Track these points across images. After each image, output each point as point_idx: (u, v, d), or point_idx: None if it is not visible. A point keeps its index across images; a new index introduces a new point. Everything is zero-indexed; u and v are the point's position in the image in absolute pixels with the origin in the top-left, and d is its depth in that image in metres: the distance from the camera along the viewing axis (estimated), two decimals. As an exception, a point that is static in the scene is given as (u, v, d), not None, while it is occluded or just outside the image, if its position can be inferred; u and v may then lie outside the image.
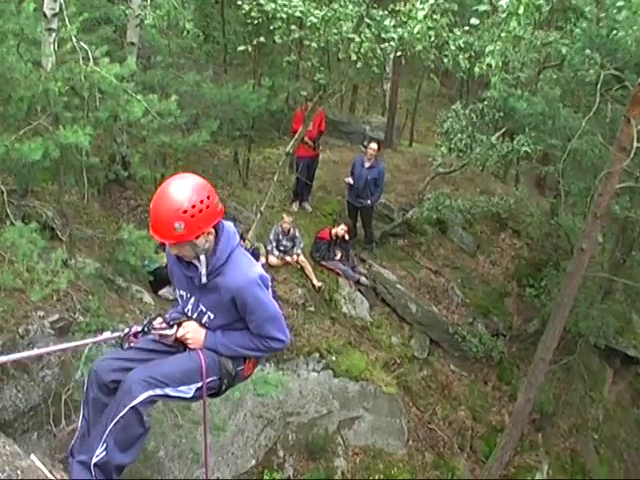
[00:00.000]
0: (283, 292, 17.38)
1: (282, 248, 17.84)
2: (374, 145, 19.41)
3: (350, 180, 19.30)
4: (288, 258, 17.88)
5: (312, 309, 17.89)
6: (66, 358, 11.12)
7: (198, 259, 4.94)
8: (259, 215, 15.07)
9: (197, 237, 4.81)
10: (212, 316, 5.12)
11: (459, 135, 18.60)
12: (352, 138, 25.62)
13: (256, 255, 16.42)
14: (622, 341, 22.05)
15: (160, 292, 14.87)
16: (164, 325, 5.14)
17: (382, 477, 17.75)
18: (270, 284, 5.23)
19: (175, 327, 5.14)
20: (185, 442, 12.51)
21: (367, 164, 19.15)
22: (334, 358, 17.60)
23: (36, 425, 10.95)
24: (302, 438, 17.05)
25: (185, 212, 4.67)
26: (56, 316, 11.25)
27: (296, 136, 15.40)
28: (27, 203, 12.55)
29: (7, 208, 11.14)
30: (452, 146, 18.84)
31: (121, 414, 4.83)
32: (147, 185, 16.63)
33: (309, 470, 16.90)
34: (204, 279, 4.96)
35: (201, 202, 4.72)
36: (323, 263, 18.78)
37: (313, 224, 19.86)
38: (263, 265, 16.67)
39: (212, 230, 4.89)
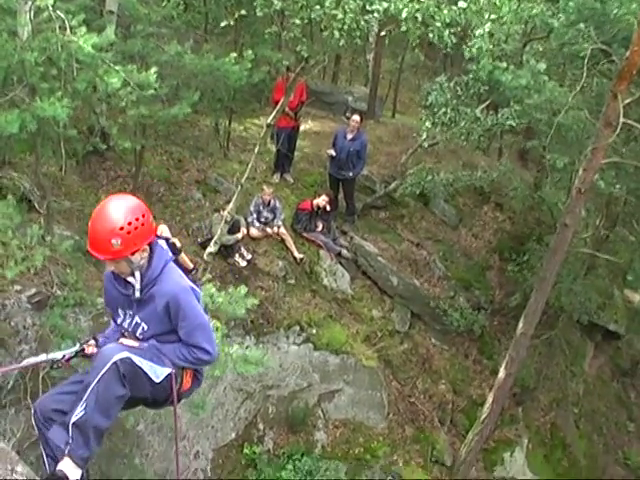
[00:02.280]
0: (264, 264, 17.29)
1: (263, 220, 17.71)
2: (357, 117, 19.24)
3: (332, 152, 19.13)
4: (269, 230, 17.75)
5: (292, 282, 17.78)
6: (44, 333, 10.97)
7: (133, 275, 5.26)
8: (240, 187, 14.87)
9: (133, 253, 5.15)
10: (146, 327, 5.38)
11: (443, 109, 18.44)
12: (334, 109, 25.43)
13: (237, 227, 16.29)
14: (603, 316, 22.07)
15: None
16: (95, 350, 5.43)
17: (362, 450, 17.76)
18: (201, 298, 5.59)
19: None
20: (164, 417, 12.42)
21: (349, 136, 18.99)
22: (314, 331, 17.52)
23: (14, 401, 10.83)
24: (282, 411, 17.03)
25: (122, 229, 5.01)
26: (33, 290, 11.10)
27: (277, 107, 15.17)
28: (4, 175, 12.35)
29: (-17, 180, 10.98)
30: (436, 120, 18.67)
31: (103, 371, 4.95)
32: (127, 156, 16.45)
33: (289, 443, 16.89)
34: (137, 294, 5.28)
35: (136, 220, 5.08)
36: (304, 235, 18.65)
37: (294, 196, 19.73)
38: (244, 237, 16.61)
39: (147, 247, 5.27)
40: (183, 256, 15.13)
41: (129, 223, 5.03)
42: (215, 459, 15.67)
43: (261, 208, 17.64)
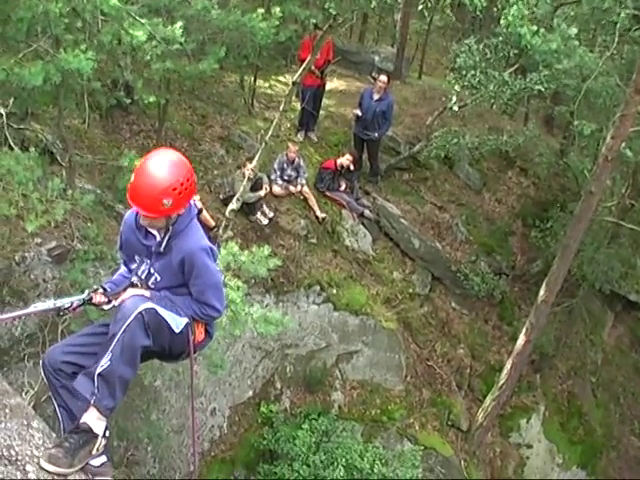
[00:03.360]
0: (286, 223, 17.23)
1: (286, 178, 17.62)
2: (384, 77, 19.06)
3: (358, 112, 18.99)
4: (292, 188, 17.66)
5: (314, 241, 17.71)
6: (63, 286, 10.96)
7: (164, 229, 5.21)
8: (263, 144, 14.75)
9: (175, 213, 5.10)
10: (159, 278, 5.33)
11: (472, 71, 18.21)
12: (360, 68, 25.18)
13: (259, 184, 16.21)
14: (624, 286, 21.92)
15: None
16: (103, 299, 5.28)
17: (379, 412, 17.82)
18: (218, 257, 5.56)
19: (112, 302, 5.28)
20: (182, 374, 12.41)
21: (376, 96, 18.82)
22: (335, 291, 17.48)
23: (32, 354, 10.84)
24: (300, 371, 17.05)
25: (174, 189, 4.93)
26: (53, 243, 11.08)
27: (303, 65, 15.02)
28: (27, 127, 12.27)
29: (6, 131, 10.89)
30: (465, 83, 18.46)
31: (128, 321, 4.93)
32: (150, 111, 16.36)
33: (306, 403, 16.94)
34: (164, 244, 5.23)
35: (187, 180, 5.01)
36: (327, 194, 18.56)
37: (318, 155, 19.62)
38: (266, 195, 16.52)
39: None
40: (205, 214, 15.13)
41: (181, 183, 4.98)
42: (232, 416, 15.73)
43: (285, 166, 17.53)
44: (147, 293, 5.28)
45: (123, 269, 5.67)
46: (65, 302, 5.18)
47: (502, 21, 15.90)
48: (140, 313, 4.98)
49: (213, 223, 15.36)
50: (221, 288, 5.55)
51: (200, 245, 5.27)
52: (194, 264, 5.23)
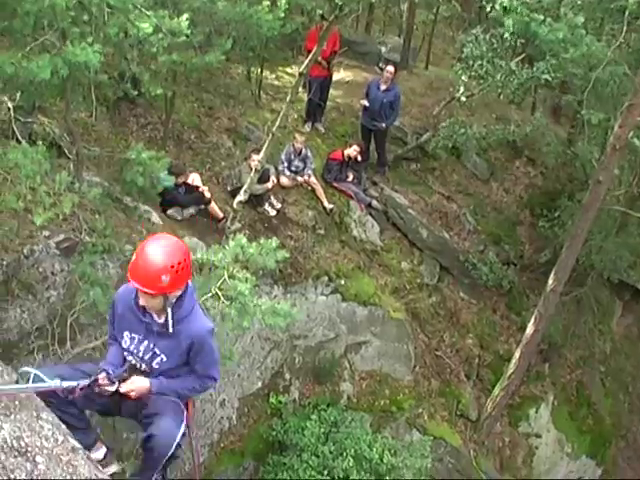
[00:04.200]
0: (293, 214, 17.23)
1: (294, 169, 17.63)
2: (391, 68, 19.06)
3: (365, 102, 19.01)
4: (299, 179, 17.67)
5: (322, 232, 17.72)
6: (72, 279, 10.98)
7: (163, 311, 5.61)
8: (270, 136, 14.75)
9: (172, 292, 5.52)
10: (165, 359, 5.79)
11: (479, 61, 18.18)
12: (367, 59, 25.17)
13: (267, 176, 16.21)
14: (633, 275, 21.93)
15: (168, 212, 14.72)
16: (107, 382, 5.63)
17: (388, 402, 17.84)
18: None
19: (117, 383, 5.68)
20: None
21: (383, 87, 18.82)
22: (343, 282, 17.48)
23: (41, 347, 10.84)
24: (309, 361, 17.07)
25: (172, 267, 5.36)
26: (62, 236, 11.06)
27: (310, 56, 14.97)
28: (34, 120, 12.28)
29: (13, 125, 10.91)
30: (472, 73, 18.43)
31: (165, 459, 5.70)
32: (157, 103, 16.36)
33: (315, 394, 16.96)
34: (171, 329, 5.64)
35: (184, 260, 5.45)
36: (335, 185, 18.58)
37: (325, 145, 19.63)
38: (274, 186, 16.53)
39: (183, 287, 5.63)
40: (213, 205, 15.14)
41: (179, 263, 5.39)
42: (241, 408, 15.74)
43: (292, 157, 17.55)
44: (147, 383, 5.75)
45: (112, 349, 6.05)
46: (72, 384, 5.41)
47: (497, 6, 15.79)
48: (178, 443, 5.61)
49: (221, 215, 15.38)
50: (219, 361, 6.15)
51: (208, 328, 5.80)
52: (203, 346, 5.74)
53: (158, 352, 5.76)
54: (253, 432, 15.78)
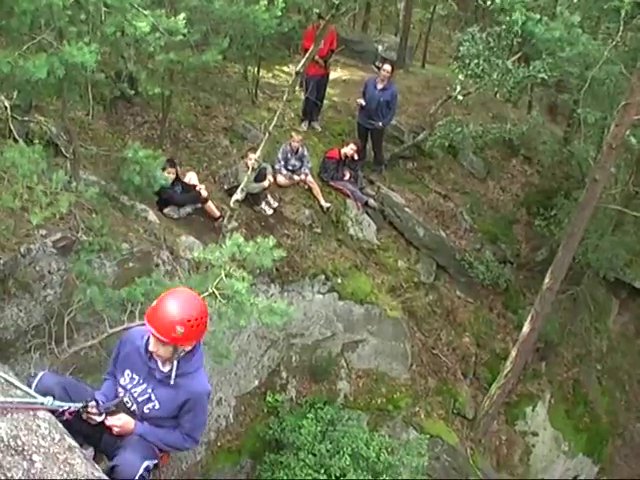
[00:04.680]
0: (290, 213, 17.25)
1: (290, 167, 17.64)
2: (388, 66, 19.07)
3: (362, 101, 19.03)
4: (296, 177, 17.67)
5: (319, 230, 17.73)
6: (69, 277, 10.99)
7: (170, 360, 5.71)
8: (267, 135, 14.75)
9: (183, 345, 5.61)
10: (157, 406, 5.87)
11: (475, 60, 18.18)
12: (364, 57, 25.19)
13: (263, 175, 16.22)
14: (629, 273, 22.00)
15: (165, 210, 14.73)
16: (95, 410, 5.67)
17: (384, 401, 17.85)
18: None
19: (104, 415, 5.74)
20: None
21: (380, 86, 18.83)
22: (340, 280, 17.49)
23: (38, 345, 10.84)
24: (305, 360, 17.07)
25: (189, 321, 5.47)
26: (58, 235, 11.06)
27: (307, 54, 14.95)
28: (31, 119, 12.28)
29: (10, 124, 10.90)
30: (469, 72, 18.43)
31: None
32: (154, 102, 16.36)
33: (312, 392, 16.97)
34: (173, 380, 5.74)
35: (201, 318, 5.57)
36: (331, 183, 18.58)
37: (322, 144, 19.62)
38: (270, 185, 16.54)
39: (194, 344, 5.72)
40: (210, 204, 15.14)
41: (195, 318, 5.50)
42: (237, 406, 15.75)
43: (289, 155, 17.55)
44: (132, 423, 5.84)
45: (107, 383, 6.14)
46: (64, 405, 5.42)
47: (497, 1, 15.81)
48: (141, 476, 5.55)
49: (218, 213, 15.39)
50: (206, 425, 6.58)
51: (207, 390, 5.93)
52: (196, 406, 5.87)
53: (153, 398, 5.86)
54: (250, 431, 15.79)
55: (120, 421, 5.77)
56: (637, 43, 16.67)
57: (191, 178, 15.43)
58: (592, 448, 21.89)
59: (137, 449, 5.67)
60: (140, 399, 5.87)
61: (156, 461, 5.84)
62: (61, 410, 5.39)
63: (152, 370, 5.80)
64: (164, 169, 14.39)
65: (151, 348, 5.67)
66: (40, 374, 5.65)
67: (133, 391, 5.88)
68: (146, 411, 5.87)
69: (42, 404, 5.17)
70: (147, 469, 5.61)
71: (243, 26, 12.69)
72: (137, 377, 5.88)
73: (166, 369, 5.77)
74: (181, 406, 5.82)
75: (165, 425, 5.92)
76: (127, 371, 5.93)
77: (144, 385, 5.86)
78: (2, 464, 4.15)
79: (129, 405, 5.90)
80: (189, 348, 5.68)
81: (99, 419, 5.69)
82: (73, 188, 10.13)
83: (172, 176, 14.76)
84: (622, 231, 20.69)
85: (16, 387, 5.16)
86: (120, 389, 5.94)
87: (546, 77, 18.21)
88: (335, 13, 14.43)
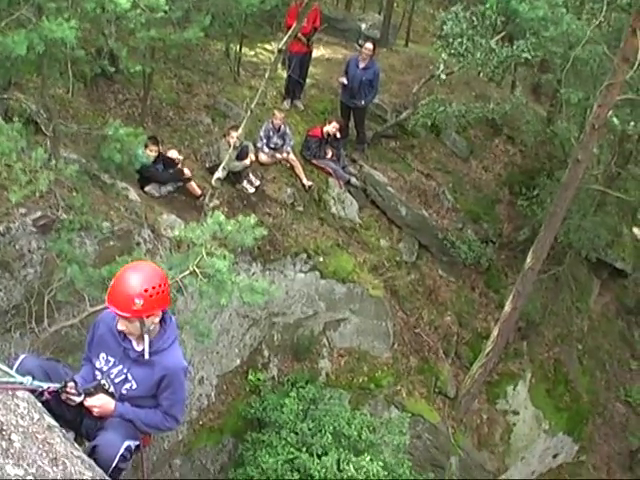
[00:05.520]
0: (272, 191, 17.22)
1: (272, 145, 17.58)
2: (369, 45, 18.96)
3: (344, 80, 18.94)
4: (278, 156, 17.62)
5: (301, 209, 17.72)
6: (49, 256, 10.93)
7: (142, 337, 5.67)
8: (249, 112, 14.66)
9: (148, 316, 5.54)
10: (135, 386, 5.84)
11: (459, 39, 18.11)
12: (347, 36, 25.04)
13: (245, 153, 16.14)
14: (611, 254, 22.15)
15: (146, 189, 14.66)
16: (74, 391, 5.61)
17: (366, 379, 17.92)
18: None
19: (83, 395, 5.68)
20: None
21: (362, 65, 18.74)
22: (321, 259, 17.49)
23: (18, 324, 10.82)
24: (287, 339, 17.11)
25: (146, 291, 5.43)
26: (38, 213, 11.00)
27: (290, 32, 14.86)
28: (10, 96, 12.16)
29: (-11, 101, 10.82)
30: (452, 51, 18.36)
31: (112, 466, 5.49)
32: (135, 80, 16.24)
33: (294, 370, 17.00)
34: (147, 356, 5.70)
35: (159, 286, 5.52)
36: (314, 162, 18.54)
37: (304, 122, 19.56)
38: (252, 163, 16.47)
39: (160, 314, 5.68)
40: (192, 183, 15.07)
41: (153, 287, 5.47)
42: (219, 385, 15.76)
43: (271, 133, 17.48)
44: (112, 404, 5.78)
45: (85, 366, 6.11)
46: (43, 385, 5.39)
47: None
48: (122, 455, 5.52)
49: (199, 192, 15.33)
50: (185, 402, 6.29)
51: (182, 365, 5.87)
52: (173, 382, 5.81)
53: (130, 378, 5.83)
54: (232, 409, 15.81)
55: (100, 401, 5.73)
56: (620, 23, 16.67)
57: (172, 155, 15.36)
58: (572, 427, 22.02)
59: (118, 429, 5.64)
60: (117, 380, 5.85)
61: (138, 442, 5.80)
62: (40, 390, 5.36)
63: (127, 350, 5.79)
64: (147, 146, 14.38)
65: (119, 327, 5.67)
66: (21, 357, 5.63)
67: (109, 372, 5.87)
68: (124, 392, 5.84)
69: (21, 383, 5.13)
70: (128, 449, 5.58)
71: (225, 3, 12.63)
72: (112, 359, 5.87)
73: (140, 347, 5.75)
74: (158, 383, 5.78)
75: (145, 405, 5.87)
76: (102, 354, 5.91)
77: (120, 366, 5.84)
78: (-20, 444, 4.11)
79: (107, 387, 5.87)
80: (157, 320, 5.67)
81: (78, 399, 5.63)
82: (53, 166, 10.06)
83: (154, 154, 14.72)
84: (604, 212, 20.74)
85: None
86: (97, 372, 5.92)
87: (530, 57, 18.19)
88: (318, -10, 14.36)
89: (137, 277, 5.50)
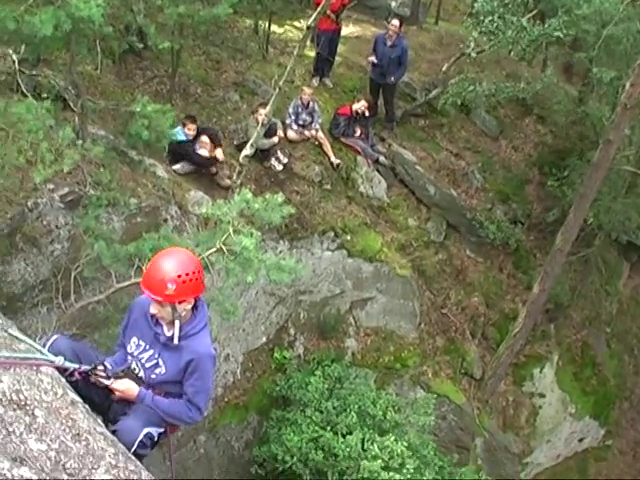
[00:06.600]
0: (300, 169, 17.17)
1: (301, 122, 17.52)
2: (396, 22, 18.80)
3: (373, 59, 18.83)
4: (307, 133, 17.56)
5: (328, 187, 17.66)
6: (76, 232, 10.95)
7: (172, 323, 5.69)
8: (277, 90, 14.59)
9: (180, 302, 5.57)
10: (164, 371, 5.86)
11: (490, 17, 17.92)
12: (376, 13, 24.86)
13: (273, 130, 16.09)
14: (641, 236, 21.85)
15: (174, 166, 14.64)
16: (103, 374, 5.70)
17: (392, 359, 17.91)
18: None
19: (112, 379, 5.74)
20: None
21: (389, 42, 18.60)
22: (349, 238, 17.45)
23: (45, 300, 10.86)
24: (314, 317, 17.10)
25: (179, 277, 5.47)
26: (66, 189, 11.03)
27: (319, 9, 14.74)
28: (39, 73, 12.17)
29: (18, 78, 10.81)
30: (483, 29, 18.17)
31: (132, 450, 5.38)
32: (164, 56, 16.21)
33: (319, 349, 17.01)
34: (176, 340, 5.72)
35: (193, 273, 5.56)
36: (342, 140, 18.47)
37: (333, 100, 19.47)
38: (280, 140, 16.41)
39: (192, 301, 5.69)
40: (221, 174, 15.05)
41: (187, 273, 5.51)
42: (245, 362, 15.80)
43: (300, 110, 17.42)
44: (136, 390, 5.80)
45: (119, 352, 6.13)
46: (75, 365, 5.49)
47: None
48: (140, 441, 5.52)
49: (228, 183, 15.14)
50: (210, 394, 6.29)
51: (210, 352, 5.86)
52: (199, 367, 5.77)
53: (160, 363, 5.86)
54: (257, 387, 15.86)
55: (123, 386, 5.78)
56: (654, 0, 16.44)
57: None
58: (599, 411, 21.92)
59: (139, 416, 5.67)
60: (148, 365, 5.88)
61: (161, 430, 5.83)
62: (71, 369, 5.41)
63: (157, 335, 5.82)
64: (184, 125, 14.41)
65: (151, 311, 5.70)
66: (54, 337, 5.69)
67: (140, 357, 5.89)
68: (153, 377, 5.87)
69: (52, 362, 5.18)
70: (149, 436, 5.62)
71: (254, -21, 12.55)
72: (143, 343, 5.90)
73: (170, 333, 5.77)
74: (185, 368, 5.76)
75: (173, 392, 5.88)
76: (134, 338, 5.94)
77: (151, 351, 5.87)
78: (4, 418, 4.12)
79: (137, 372, 5.91)
80: (189, 307, 5.68)
81: (106, 382, 5.69)
82: (79, 145, 10.04)
83: (193, 132, 14.75)
84: (635, 193, 20.48)
85: (25, 343, 5.15)
86: (129, 357, 5.95)
87: (561, 35, 17.96)
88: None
89: (172, 262, 5.56)
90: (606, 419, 22.17)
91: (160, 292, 5.47)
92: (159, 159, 14.04)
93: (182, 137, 14.50)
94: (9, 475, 3.55)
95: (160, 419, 5.81)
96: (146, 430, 5.58)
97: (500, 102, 21.21)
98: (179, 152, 14.54)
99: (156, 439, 5.82)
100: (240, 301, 14.35)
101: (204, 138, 15.13)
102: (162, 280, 5.44)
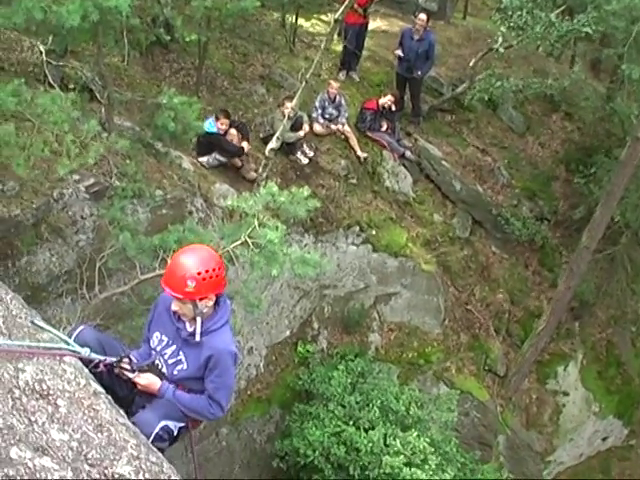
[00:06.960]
0: (326, 162, 17.16)
1: (327, 116, 17.51)
2: (423, 16, 18.71)
3: (400, 52, 18.78)
4: (333, 127, 17.53)
5: (354, 181, 17.64)
6: (101, 223, 10.99)
7: (194, 320, 5.67)
8: (304, 83, 14.58)
9: (201, 299, 5.55)
10: (185, 367, 5.83)
11: (518, 12, 17.79)
12: (404, 8, 24.70)
13: (299, 124, 16.08)
14: (669, 234, 21.65)
15: (201, 159, 14.66)
16: (128, 367, 5.72)
17: (416, 355, 17.88)
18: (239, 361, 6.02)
19: (136, 373, 5.76)
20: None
21: (416, 36, 18.52)
22: (374, 232, 17.43)
23: (70, 290, 10.91)
24: (338, 311, 17.09)
25: (199, 274, 5.46)
26: (92, 180, 11.07)
27: (346, 2, 14.72)
28: (66, 64, 12.21)
29: (45, 69, 10.85)
30: (511, 24, 18.05)
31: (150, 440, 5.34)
32: (191, 49, 16.24)
33: (343, 343, 17.01)
34: (198, 337, 5.67)
35: (213, 270, 5.53)
36: (368, 134, 18.43)
37: (360, 94, 19.43)
38: (306, 134, 16.40)
39: (214, 298, 5.67)
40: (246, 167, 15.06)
41: (207, 270, 5.47)
42: (268, 356, 15.81)
43: (326, 104, 17.40)
44: (157, 384, 5.81)
45: (144, 346, 6.15)
46: (100, 357, 5.50)
47: None
48: (157, 434, 5.52)
49: (254, 176, 15.14)
50: (232, 391, 6.31)
51: (230, 349, 5.80)
52: (219, 364, 5.73)
53: (183, 360, 5.85)
54: (280, 380, 15.88)
55: (145, 380, 5.79)
56: (686, -4, 16.22)
57: (233, 134, 15.32)
58: (623, 410, 21.77)
59: (157, 409, 5.68)
60: (171, 361, 5.89)
61: (182, 424, 5.84)
62: (97, 361, 5.43)
63: (179, 330, 5.80)
64: (218, 119, 14.43)
65: (173, 307, 5.68)
66: (80, 327, 5.70)
67: (163, 353, 5.91)
68: (175, 373, 5.87)
69: (78, 353, 5.20)
70: (166, 429, 5.62)
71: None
72: (166, 339, 5.90)
73: (191, 329, 5.74)
74: (205, 364, 5.74)
75: (195, 388, 5.86)
76: (157, 333, 5.96)
77: (173, 347, 5.88)
78: (26, 408, 4.12)
79: (160, 367, 5.92)
80: (210, 303, 5.66)
81: (131, 375, 5.71)
82: (104, 138, 10.07)
83: (225, 127, 14.78)
84: (663, 191, 20.34)
85: (50, 333, 5.16)
86: (152, 352, 5.96)
87: (590, 31, 17.78)
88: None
89: (192, 259, 5.54)
90: (630, 418, 22.01)
91: (180, 289, 5.47)
92: (185, 151, 14.07)
93: (213, 129, 14.52)
94: (31, 464, 3.56)
95: (180, 414, 5.80)
96: (163, 423, 5.60)
97: (527, 98, 21.11)
98: (210, 143, 14.56)
99: (176, 433, 5.82)
100: (264, 294, 14.34)
101: (232, 131, 15.13)
102: (182, 277, 5.44)
